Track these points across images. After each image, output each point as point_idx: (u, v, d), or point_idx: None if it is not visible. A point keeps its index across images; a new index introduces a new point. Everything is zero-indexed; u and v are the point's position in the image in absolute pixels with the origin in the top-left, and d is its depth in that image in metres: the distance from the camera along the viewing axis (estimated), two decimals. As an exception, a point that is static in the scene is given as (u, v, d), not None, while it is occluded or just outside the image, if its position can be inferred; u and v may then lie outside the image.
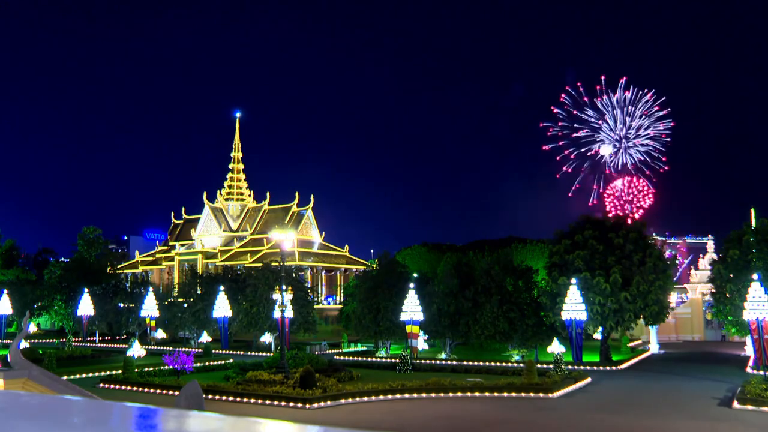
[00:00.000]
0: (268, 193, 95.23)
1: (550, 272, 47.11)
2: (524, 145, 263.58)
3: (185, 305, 63.34)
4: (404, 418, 25.90)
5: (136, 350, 41.30)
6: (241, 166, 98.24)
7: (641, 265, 44.95)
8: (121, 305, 70.21)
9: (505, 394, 30.36)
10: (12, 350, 11.43)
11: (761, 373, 33.33)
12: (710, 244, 71.16)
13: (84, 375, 37.95)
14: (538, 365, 36.91)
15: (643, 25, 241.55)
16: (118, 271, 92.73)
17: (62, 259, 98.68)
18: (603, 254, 45.67)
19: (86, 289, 69.31)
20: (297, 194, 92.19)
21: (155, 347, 56.04)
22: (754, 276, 36.31)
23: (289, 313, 49.93)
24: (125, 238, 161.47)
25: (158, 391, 32.51)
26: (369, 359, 47.74)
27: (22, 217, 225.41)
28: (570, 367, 39.73)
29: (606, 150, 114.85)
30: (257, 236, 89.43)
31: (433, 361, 44.24)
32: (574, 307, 43.53)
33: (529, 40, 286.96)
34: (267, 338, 57.75)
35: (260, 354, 51.71)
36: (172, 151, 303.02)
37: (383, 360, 46.82)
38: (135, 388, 33.14)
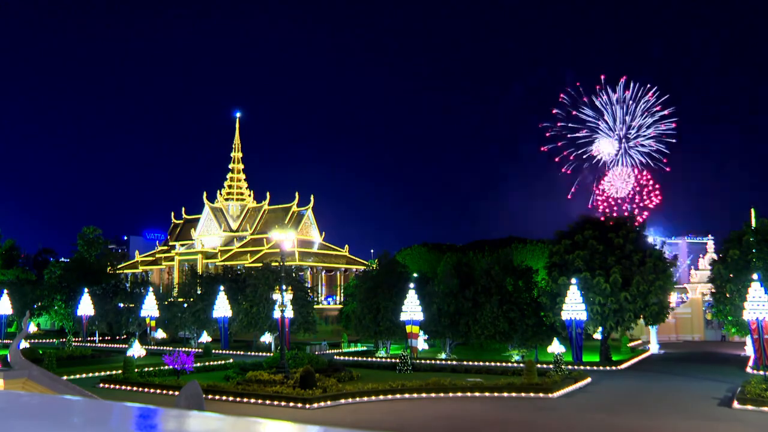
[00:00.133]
0: (268, 193, 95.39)
1: (550, 272, 47.12)
2: (524, 145, 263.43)
3: (185, 305, 63.34)
4: (404, 418, 25.90)
5: (136, 350, 41.30)
6: (241, 166, 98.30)
7: (641, 265, 44.96)
8: (121, 305, 70.22)
9: (505, 394, 30.36)
10: (12, 350, 11.43)
11: (761, 373, 33.33)
12: (710, 244, 71.16)
13: (84, 375, 37.95)
14: (538, 365, 36.91)
15: (643, 25, 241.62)
16: (118, 271, 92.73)
17: (62, 259, 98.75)
18: (603, 254, 45.69)
19: (86, 289, 69.32)
20: (297, 194, 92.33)
21: (155, 347, 56.04)
22: (754, 276, 36.32)
23: (289, 313, 49.94)
24: (125, 238, 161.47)
25: (158, 391, 32.51)
26: (369, 359, 47.75)
27: (22, 217, 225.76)
28: (570, 367, 39.73)
29: (606, 150, 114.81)
30: (257, 236, 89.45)
31: (433, 361, 44.24)
32: (574, 307, 43.54)
33: (529, 40, 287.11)
34: (267, 338, 57.76)
35: (260, 354, 51.71)
36: (172, 151, 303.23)
37: (383, 360, 46.83)
38: (135, 388, 33.14)
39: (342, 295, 76.68)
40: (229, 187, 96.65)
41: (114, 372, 37.00)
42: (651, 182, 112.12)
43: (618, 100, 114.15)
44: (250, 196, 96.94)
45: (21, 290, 76.14)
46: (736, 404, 27.07)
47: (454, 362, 44.02)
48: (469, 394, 30.37)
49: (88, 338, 70.41)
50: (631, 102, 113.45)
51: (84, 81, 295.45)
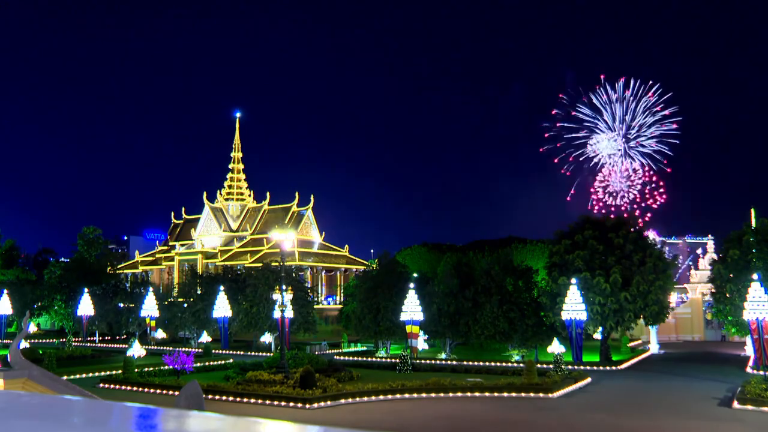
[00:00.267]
0: (268, 193, 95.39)
1: (550, 272, 47.12)
2: (524, 145, 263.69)
3: (185, 305, 63.34)
4: (404, 418, 25.90)
5: (136, 350, 41.29)
6: (241, 166, 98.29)
7: (641, 265, 44.96)
8: (121, 305, 70.22)
9: (505, 394, 30.36)
10: (12, 350, 11.43)
11: (761, 373, 33.33)
12: (710, 244, 71.15)
13: (84, 375, 37.95)
14: (538, 365, 36.92)
15: (643, 25, 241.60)
16: (118, 271, 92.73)
17: (62, 259, 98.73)
18: (603, 254, 45.70)
19: (86, 289, 69.31)
20: (297, 194, 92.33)
21: (155, 347, 56.04)
22: (754, 276, 36.31)
23: (289, 313, 49.93)
24: (125, 238, 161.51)
25: (158, 391, 32.51)
26: (369, 359, 47.74)
27: (22, 217, 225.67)
28: (570, 367, 39.73)
29: (606, 151, 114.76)
30: (257, 236, 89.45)
31: (433, 361, 44.24)
32: (574, 307, 43.54)
33: (529, 40, 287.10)
34: (267, 338, 57.75)
35: (260, 354, 51.71)
36: (172, 151, 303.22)
37: (383, 360, 46.83)
38: (135, 388, 33.14)
39: (342, 295, 76.67)
40: (229, 187, 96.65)
41: (114, 372, 37.00)
42: (654, 182, 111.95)
43: (618, 99, 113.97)
44: (250, 196, 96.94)
45: (21, 290, 76.14)
46: (736, 404, 27.07)
47: (454, 362, 44.01)
48: (469, 394, 30.37)
49: (88, 338, 70.40)
50: (631, 100, 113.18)
51: (84, 81, 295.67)
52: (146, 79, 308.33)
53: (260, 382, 31.09)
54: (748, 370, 39.09)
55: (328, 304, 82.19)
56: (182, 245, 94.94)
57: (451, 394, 30.29)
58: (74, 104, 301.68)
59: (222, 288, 58.04)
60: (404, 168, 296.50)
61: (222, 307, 57.02)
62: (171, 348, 50.58)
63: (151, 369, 38.34)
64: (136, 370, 35.65)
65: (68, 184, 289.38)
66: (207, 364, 42.62)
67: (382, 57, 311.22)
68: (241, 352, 53.77)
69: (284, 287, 39.56)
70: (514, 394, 30.36)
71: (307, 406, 27.31)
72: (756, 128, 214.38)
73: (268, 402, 28.26)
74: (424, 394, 30.17)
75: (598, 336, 47.74)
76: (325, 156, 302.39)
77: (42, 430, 2.71)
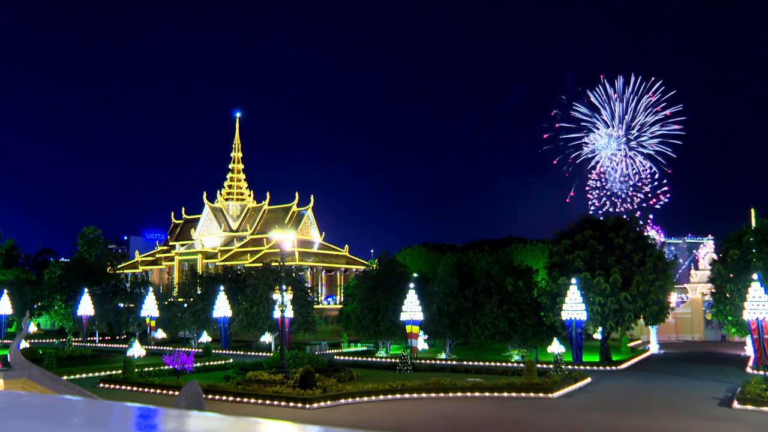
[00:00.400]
0: (268, 193, 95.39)
1: (550, 272, 47.11)
2: (524, 146, 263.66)
3: (185, 305, 63.34)
4: (404, 418, 25.90)
5: (136, 350, 41.29)
6: (241, 166, 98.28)
7: (641, 265, 44.95)
8: (121, 305, 70.21)
9: (505, 394, 30.36)
10: (12, 350, 11.43)
11: (761, 373, 33.33)
12: (710, 244, 71.14)
13: (84, 375, 37.95)
14: (538, 365, 36.91)
15: (643, 26, 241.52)
16: (118, 271, 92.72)
17: (62, 259, 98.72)
18: (603, 254, 45.68)
19: (86, 289, 69.31)
20: (297, 194, 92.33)
21: (155, 347, 56.04)
22: (754, 276, 36.31)
23: (289, 313, 49.93)
24: (125, 238, 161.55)
25: (158, 391, 32.51)
26: (369, 359, 47.74)
27: (22, 217, 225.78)
28: (570, 367, 39.73)
29: (606, 151, 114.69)
30: (257, 236, 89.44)
31: (433, 361, 44.24)
32: (574, 307, 43.53)
33: (529, 40, 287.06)
34: (267, 338, 57.74)
35: (260, 354, 51.70)
36: (172, 151, 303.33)
37: (383, 360, 46.82)
38: (135, 388, 33.13)
39: (342, 295, 76.66)
40: (229, 187, 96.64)
41: (114, 372, 36.99)
42: (657, 182, 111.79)
43: (618, 98, 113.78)
44: (250, 196, 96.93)
45: (21, 290, 76.13)
46: (736, 404, 27.07)
47: (454, 362, 44.01)
48: (469, 394, 30.36)
49: (88, 338, 70.39)
50: (632, 98, 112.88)
51: (84, 81, 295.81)
52: (146, 79, 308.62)
53: (260, 382, 31.08)
54: (748, 370, 39.09)
55: (328, 304, 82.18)
56: (182, 245, 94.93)
57: (451, 394, 30.29)
58: (74, 104, 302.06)
59: (222, 288, 58.03)
60: (404, 168, 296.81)
61: (222, 307, 57.01)
62: (171, 348, 50.57)
63: (151, 369, 38.33)
64: (136, 370, 35.65)
65: (68, 184, 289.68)
66: (207, 364, 42.62)
67: (382, 57, 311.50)
68: (241, 352, 53.76)
69: (284, 287, 39.55)
70: (514, 394, 30.35)
71: (307, 406, 27.31)
72: (756, 128, 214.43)
73: (268, 402, 28.26)
74: (424, 394, 30.17)
75: (598, 336, 47.73)
76: (325, 156, 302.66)
77: (42, 430, 2.71)
